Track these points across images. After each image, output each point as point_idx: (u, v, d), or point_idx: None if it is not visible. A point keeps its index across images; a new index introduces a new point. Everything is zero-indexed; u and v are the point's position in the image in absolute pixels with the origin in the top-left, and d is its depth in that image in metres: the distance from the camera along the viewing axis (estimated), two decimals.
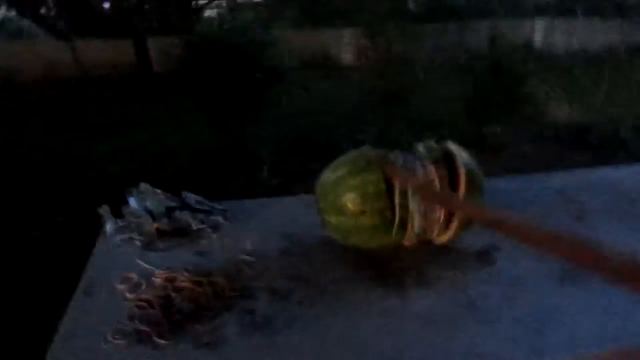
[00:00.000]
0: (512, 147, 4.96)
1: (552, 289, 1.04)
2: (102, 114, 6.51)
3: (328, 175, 1.17)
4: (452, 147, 1.18)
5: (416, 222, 1.11)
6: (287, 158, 4.60)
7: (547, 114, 5.38)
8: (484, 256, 1.17)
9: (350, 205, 1.10)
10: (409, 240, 1.16)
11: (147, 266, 1.12)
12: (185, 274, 1.06)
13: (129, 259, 1.17)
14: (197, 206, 1.35)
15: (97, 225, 1.33)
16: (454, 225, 1.15)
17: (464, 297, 1.02)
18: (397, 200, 1.10)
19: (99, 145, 5.19)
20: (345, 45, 9.96)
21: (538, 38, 10.64)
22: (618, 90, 5.35)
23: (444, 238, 1.18)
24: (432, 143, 1.19)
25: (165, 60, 7.28)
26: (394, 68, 5.57)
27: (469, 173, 1.13)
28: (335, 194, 1.12)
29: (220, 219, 1.33)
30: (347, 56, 9.85)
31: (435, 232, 1.16)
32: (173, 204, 1.33)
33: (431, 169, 1.12)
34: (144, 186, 1.37)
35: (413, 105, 5.57)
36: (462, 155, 1.16)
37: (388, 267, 1.14)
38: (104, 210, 1.34)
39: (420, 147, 1.19)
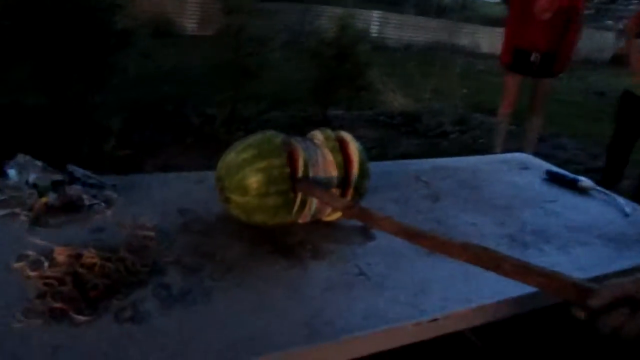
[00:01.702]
0: (352, 129, 5.37)
1: (423, 260, 1.24)
2: None
3: (233, 157, 1.23)
4: (346, 135, 1.33)
5: (314, 204, 1.24)
6: (134, 128, 4.41)
7: (383, 101, 5.90)
8: (365, 233, 1.34)
9: (255, 187, 1.18)
10: (304, 219, 1.29)
11: (43, 242, 1.08)
12: (91, 250, 1.05)
13: (17, 235, 1.11)
14: (86, 180, 1.30)
15: None
16: None
17: (354, 267, 1.18)
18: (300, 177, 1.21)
19: None
20: (188, 13, 9.65)
21: (374, 29, 11.42)
22: (441, 85, 6.06)
23: (332, 217, 1.33)
24: (328, 131, 1.32)
25: None
26: (245, 43, 5.61)
27: (361, 160, 1.29)
28: (241, 175, 1.19)
29: (112, 193, 1.31)
30: (191, 25, 9.55)
31: (327, 212, 1.30)
32: (59, 177, 1.27)
33: (329, 155, 1.25)
34: (22, 157, 1.28)
35: (261, 82, 5.66)
36: (354, 143, 1.31)
37: (285, 242, 1.25)
38: None
39: (318, 135, 1.31)
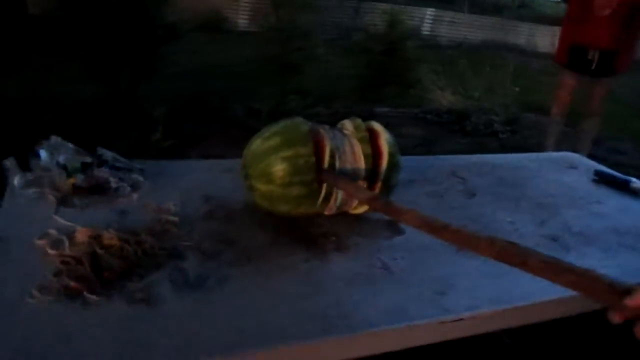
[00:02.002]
0: (398, 127, 5.28)
1: (451, 256, 1.18)
2: None
3: (259, 144, 1.21)
4: (377, 126, 1.28)
5: (339, 195, 1.20)
6: (180, 120, 4.48)
7: (432, 99, 5.78)
8: (393, 227, 1.29)
9: (280, 175, 1.15)
10: (329, 210, 1.25)
11: (67, 222, 1.09)
12: (111, 231, 1.05)
13: (44, 214, 1.12)
14: (115, 163, 1.31)
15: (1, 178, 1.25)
16: None
17: (377, 261, 1.13)
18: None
19: None
20: (241, 9, 9.76)
21: (426, 26, 11.23)
22: (493, 84, 5.87)
23: (359, 210, 1.29)
24: (358, 121, 1.27)
25: (43, 1, 6.63)
26: (293, 39, 5.61)
27: (391, 152, 1.24)
28: (266, 163, 1.16)
29: (139, 177, 1.31)
30: (243, 21, 9.67)
31: (354, 205, 1.26)
32: (88, 159, 1.29)
33: (357, 146, 1.21)
34: (55, 139, 1.30)
35: (308, 77, 5.66)
36: (385, 134, 1.26)
37: (308, 232, 1.21)
38: (10, 162, 1.25)
39: (348, 124, 1.27)
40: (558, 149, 4.27)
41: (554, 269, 0.73)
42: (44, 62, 5.63)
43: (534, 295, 1.06)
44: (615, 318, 0.67)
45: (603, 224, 1.48)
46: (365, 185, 1.23)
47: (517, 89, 5.74)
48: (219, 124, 4.61)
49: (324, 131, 1.22)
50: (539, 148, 4.55)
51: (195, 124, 4.48)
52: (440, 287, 1.06)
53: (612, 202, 1.64)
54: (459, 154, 4.40)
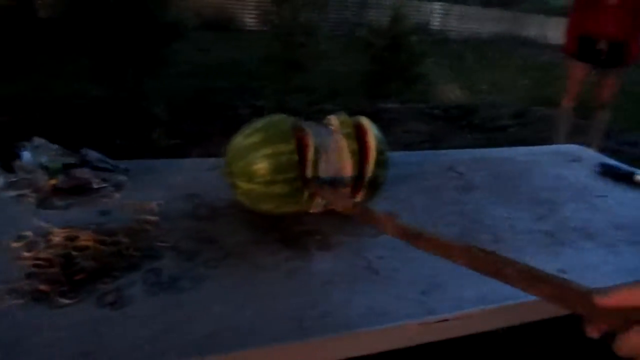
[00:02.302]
0: (404, 123, 5.23)
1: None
2: None
3: (240, 140, 1.18)
4: (364, 121, 1.24)
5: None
6: (183, 119, 4.48)
7: (438, 94, 5.71)
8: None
9: (262, 173, 1.12)
10: (314, 209, 1.21)
11: (44, 224, 1.07)
12: (87, 232, 1.03)
13: (23, 216, 1.11)
14: (98, 164, 1.29)
15: None
16: (358, 197, 1.22)
17: (362, 260, 1.10)
18: (308, 172, 1.14)
19: None
20: (248, 8, 9.76)
21: (435, 21, 11.14)
22: (501, 77, 5.79)
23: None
24: (345, 116, 1.23)
25: (51, 4, 6.68)
26: (296, 36, 5.58)
27: (379, 149, 1.20)
28: (247, 161, 1.13)
29: (122, 177, 1.29)
30: (250, 20, 9.66)
31: None
32: (72, 160, 1.27)
33: (343, 142, 1.17)
34: (38, 140, 1.29)
35: (312, 74, 5.62)
36: (372, 130, 1.22)
37: (292, 231, 1.18)
38: None
39: (333, 120, 1.23)
40: (568, 142, 4.19)
41: (528, 279, 0.69)
42: (53, 63, 5.67)
43: (522, 295, 1.02)
44: (592, 332, 0.63)
45: (604, 218, 1.43)
46: (351, 184, 1.19)
47: (526, 82, 5.65)
48: (222, 122, 4.60)
49: (308, 127, 1.18)
50: (549, 142, 4.47)
51: (198, 123, 4.47)
52: (426, 286, 1.03)
53: (615, 195, 1.59)
54: (465, 149, 4.34)
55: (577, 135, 4.58)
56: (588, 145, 3.94)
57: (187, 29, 4.59)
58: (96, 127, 4.03)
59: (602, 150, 4.42)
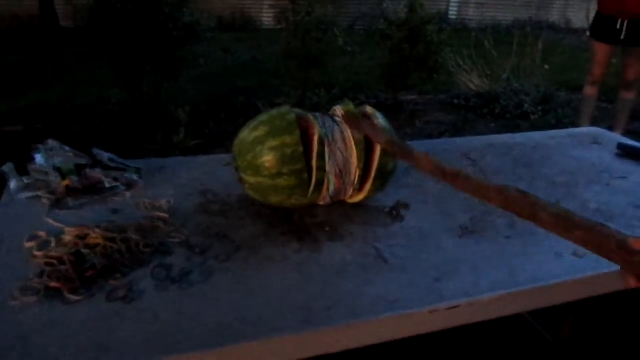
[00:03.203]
0: (425, 114, 5.17)
1: (452, 243, 1.13)
2: (1, 70, 6.01)
3: (246, 134, 1.18)
4: (370, 110, 1.23)
5: (332, 185, 1.16)
6: (204, 120, 4.51)
7: (459, 83, 5.63)
8: (394, 213, 1.24)
9: (268, 166, 1.12)
10: (323, 200, 1.21)
11: (57, 224, 1.09)
12: (98, 230, 1.04)
13: (37, 217, 1.13)
14: (110, 164, 1.31)
15: (1, 184, 1.27)
16: (367, 187, 1.21)
17: (372, 250, 1.09)
18: (314, 163, 1.13)
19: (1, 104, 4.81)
20: (265, 7, 9.78)
21: (452, 10, 10.98)
22: (523, 64, 5.67)
23: (357, 199, 1.24)
24: (350, 106, 1.22)
25: (73, 13, 6.80)
26: (313, 32, 5.56)
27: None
28: (253, 154, 1.13)
29: (134, 176, 1.30)
30: (267, 19, 9.68)
31: (349, 193, 1.21)
32: (83, 161, 1.29)
33: (349, 132, 1.16)
34: (51, 142, 1.31)
35: (332, 69, 5.60)
36: (379, 119, 1.21)
37: (302, 223, 1.18)
38: (8, 167, 1.27)
39: (338, 110, 1.22)
40: (594, 126, 4.09)
41: (564, 225, 0.66)
42: (75, 70, 5.78)
43: (538, 279, 1.00)
44: (629, 281, 0.60)
45: (624, 200, 1.39)
46: (358, 174, 1.18)
47: (546, 67, 5.53)
48: (243, 121, 4.62)
49: (313, 118, 1.18)
50: (574, 127, 4.37)
51: (220, 123, 4.50)
52: (438, 273, 1.01)
53: (635, 176, 1.54)
54: (482, 136, 4.27)
55: (604, 120, 4.47)
56: (613, 129, 3.84)
57: (205, 30, 4.62)
58: (120, 131, 4.10)
59: (628, 133, 4.30)
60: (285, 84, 5.21)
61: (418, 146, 1.40)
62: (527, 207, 0.73)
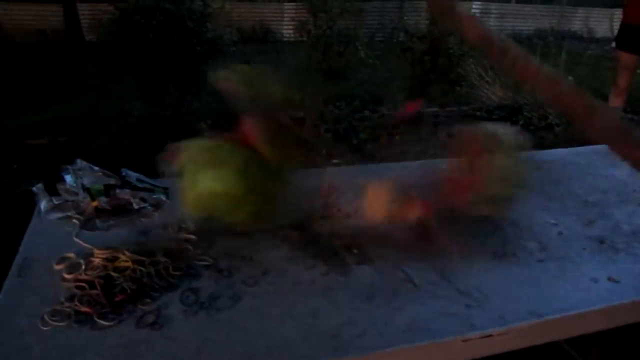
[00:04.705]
0: (447, 126, 5.13)
1: (485, 265, 1.10)
2: (27, 83, 6.14)
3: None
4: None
5: None
6: (225, 132, 4.54)
7: (481, 95, 5.59)
8: (423, 237, 1.22)
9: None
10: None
11: (86, 245, 1.09)
12: (127, 253, 1.04)
13: (66, 238, 1.14)
14: (138, 184, 1.32)
15: (30, 204, 1.28)
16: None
17: (401, 274, 1.07)
18: None
19: (24, 118, 4.90)
20: (286, 19, 9.86)
21: None
22: None
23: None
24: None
25: (97, 27, 6.93)
26: (334, 45, 5.58)
27: None
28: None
29: (162, 196, 1.31)
30: (287, 31, 9.75)
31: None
32: (112, 181, 1.29)
33: None
34: (80, 162, 1.32)
35: (352, 82, 5.61)
36: None
37: (330, 245, 1.17)
38: (38, 188, 1.28)
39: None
40: None
41: (619, 136, 0.60)
42: (100, 84, 5.88)
43: (573, 306, 0.97)
44: None
45: None
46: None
47: (571, 77, 5.44)
48: None
49: None
50: None
51: None
52: (470, 300, 0.99)
53: None
54: None
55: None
56: None
57: (227, 44, 4.66)
58: (143, 145, 4.15)
59: None
60: (305, 96, 5.23)
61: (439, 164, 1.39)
62: (582, 109, 0.64)
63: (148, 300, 0.94)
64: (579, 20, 11.42)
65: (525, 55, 0.68)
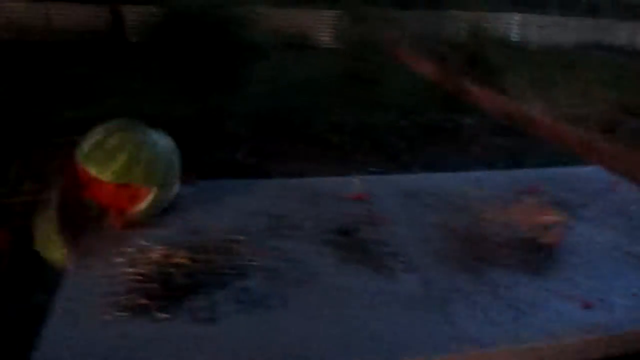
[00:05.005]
0: (483, 139, 5.09)
1: (529, 279, 1.11)
2: (71, 81, 6.34)
3: None
4: None
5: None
6: (262, 137, 4.61)
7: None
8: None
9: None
10: None
11: (143, 242, 1.14)
12: (182, 250, 1.09)
13: (124, 234, 1.19)
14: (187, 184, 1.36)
15: None
16: None
17: (448, 282, 1.08)
18: None
19: (67, 113, 5.05)
20: (324, 26, 9.93)
21: (514, 32, 10.82)
22: (587, 88, 5.50)
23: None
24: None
25: (141, 29, 7.11)
26: (372, 52, 5.59)
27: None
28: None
29: (209, 197, 1.35)
30: (325, 37, 9.82)
31: None
32: None
33: None
34: None
35: (388, 90, 5.61)
36: None
37: (377, 251, 1.19)
38: None
39: None
40: None
41: None
42: (141, 85, 6.03)
43: (623, 323, 0.97)
44: None
45: None
46: None
47: (615, 92, 5.34)
48: (301, 140, 4.68)
49: None
50: None
51: (277, 141, 4.58)
52: (519, 311, 1.00)
53: None
54: (549, 166, 4.14)
55: None
56: None
57: (266, 49, 4.74)
58: (182, 146, 4.24)
59: None
60: (341, 103, 5.26)
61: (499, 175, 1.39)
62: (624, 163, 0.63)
63: (202, 296, 0.98)
64: (624, 33, 11.16)
65: (551, 119, 0.70)
